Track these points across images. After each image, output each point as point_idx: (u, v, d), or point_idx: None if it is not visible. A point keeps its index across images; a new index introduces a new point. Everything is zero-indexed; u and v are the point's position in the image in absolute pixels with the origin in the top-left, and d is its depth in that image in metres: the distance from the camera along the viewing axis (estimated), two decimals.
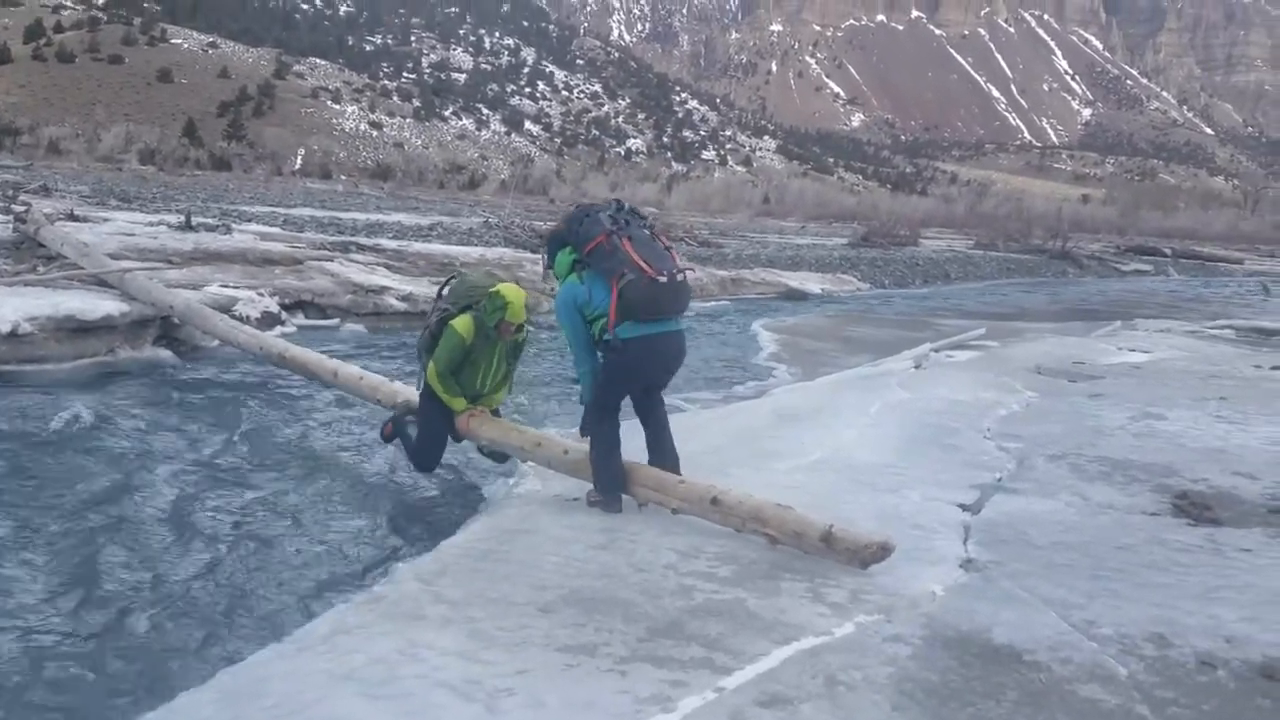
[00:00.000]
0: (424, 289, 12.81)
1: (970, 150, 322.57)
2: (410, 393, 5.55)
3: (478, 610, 3.24)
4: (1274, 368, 10.01)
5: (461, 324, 4.87)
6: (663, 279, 4.24)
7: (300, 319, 11.34)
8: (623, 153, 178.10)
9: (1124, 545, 4.18)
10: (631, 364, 4.40)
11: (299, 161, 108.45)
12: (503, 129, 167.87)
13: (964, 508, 4.68)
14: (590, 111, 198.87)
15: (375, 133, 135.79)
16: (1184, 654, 3.08)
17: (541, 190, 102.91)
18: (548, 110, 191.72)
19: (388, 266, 14.28)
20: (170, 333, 9.03)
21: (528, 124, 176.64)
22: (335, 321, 11.49)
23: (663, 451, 4.60)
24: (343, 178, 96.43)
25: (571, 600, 3.34)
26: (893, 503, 4.66)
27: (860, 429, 6.38)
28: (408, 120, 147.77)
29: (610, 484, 4.46)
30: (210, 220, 17.74)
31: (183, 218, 16.54)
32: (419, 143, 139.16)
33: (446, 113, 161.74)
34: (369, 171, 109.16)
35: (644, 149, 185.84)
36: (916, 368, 9.69)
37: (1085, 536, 4.27)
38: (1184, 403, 7.74)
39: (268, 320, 10.62)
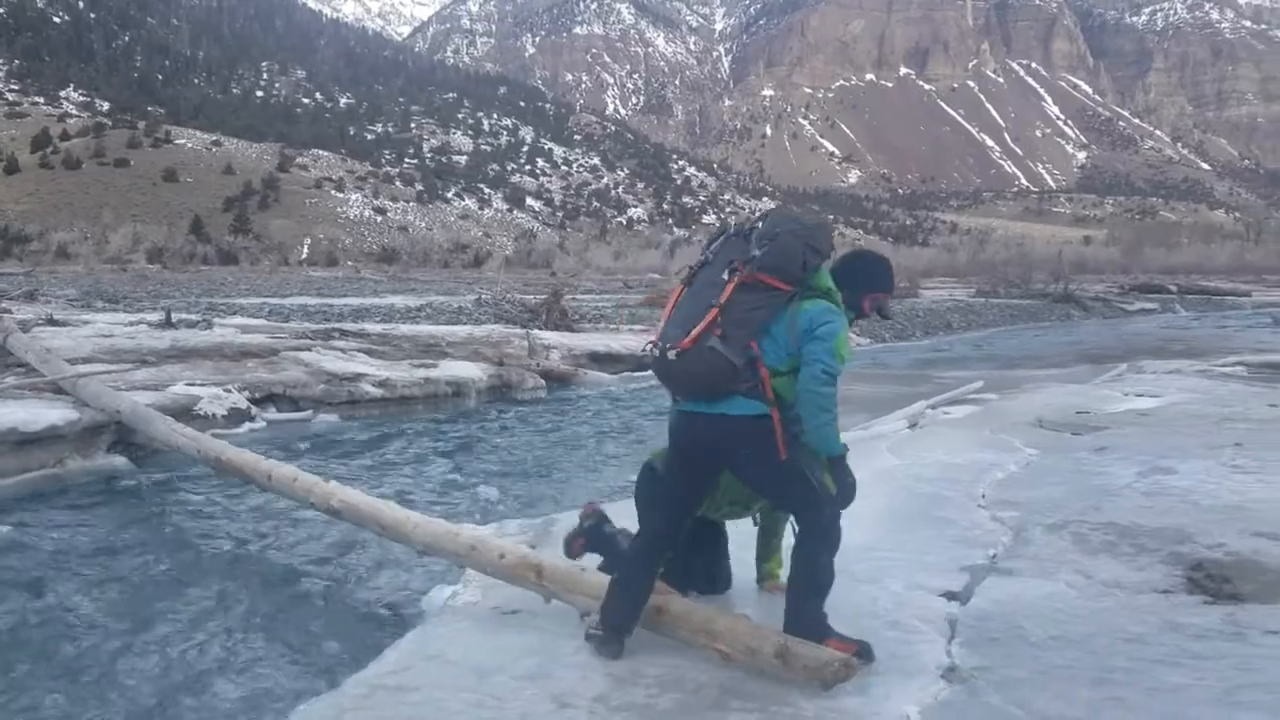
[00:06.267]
0: (402, 373, 12.41)
1: (969, 199, 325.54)
2: (349, 495, 5.07)
3: None
4: None
5: None
6: (656, 352, 3.28)
7: (272, 413, 10.92)
8: (624, 222, 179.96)
9: (1133, 636, 3.64)
10: (673, 449, 3.50)
11: (305, 251, 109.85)
12: (505, 207, 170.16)
13: (951, 596, 4.16)
14: (590, 184, 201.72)
15: (379, 218, 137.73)
16: None
17: (545, 263, 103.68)
18: (548, 185, 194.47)
19: (369, 352, 13.90)
20: (126, 438, 8.62)
21: (529, 200, 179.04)
22: (308, 413, 11.05)
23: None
24: (347, 264, 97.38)
25: None
26: (870, 595, 4.14)
27: None
28: (411, 204, 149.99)
29: (612, 614, 3.45)
30: (192, 316, 17.54)
31: (164, 315, 16.31)
32: (423, 225, 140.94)
33: (449, 194, 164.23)
34: (375, 256, 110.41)
35: (645, 217, 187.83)
36: (911, 428, 9.19)
37: (1089, 627, 3.74)
38: (1197, 452, 7.19)
39: (235, 417, 10.22)
